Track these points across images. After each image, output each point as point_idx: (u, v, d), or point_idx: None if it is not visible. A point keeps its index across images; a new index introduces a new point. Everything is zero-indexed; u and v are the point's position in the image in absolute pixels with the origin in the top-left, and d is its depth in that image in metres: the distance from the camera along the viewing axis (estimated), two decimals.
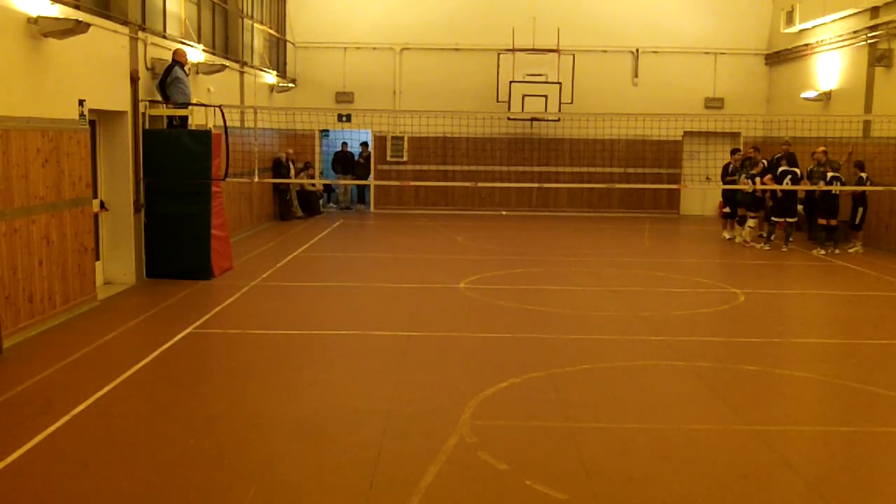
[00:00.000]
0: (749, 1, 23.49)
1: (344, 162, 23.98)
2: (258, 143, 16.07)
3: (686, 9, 23.52)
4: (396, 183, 21.88)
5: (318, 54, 23.62)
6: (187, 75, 12.96)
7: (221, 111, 13.13)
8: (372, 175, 23.52)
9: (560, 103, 22.09)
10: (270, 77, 20.70)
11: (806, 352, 9.52)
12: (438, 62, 23.51)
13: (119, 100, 11.77)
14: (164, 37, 13.45)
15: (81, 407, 6.92)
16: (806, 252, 16.58)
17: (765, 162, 18.29)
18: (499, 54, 22.62)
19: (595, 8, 23.39)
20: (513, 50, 22.61)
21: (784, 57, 22.43)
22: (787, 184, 16.72)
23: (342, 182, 23.88)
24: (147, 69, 12.57)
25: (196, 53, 14.73)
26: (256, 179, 16.35)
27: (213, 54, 16.15)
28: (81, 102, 10.39)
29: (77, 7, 10.41)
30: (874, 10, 17.78)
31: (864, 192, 16.28)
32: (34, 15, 9.17)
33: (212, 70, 15.14)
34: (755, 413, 7.10)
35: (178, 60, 12.78)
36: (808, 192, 17.31)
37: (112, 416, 6.84)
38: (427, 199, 23.88)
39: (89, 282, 10.64)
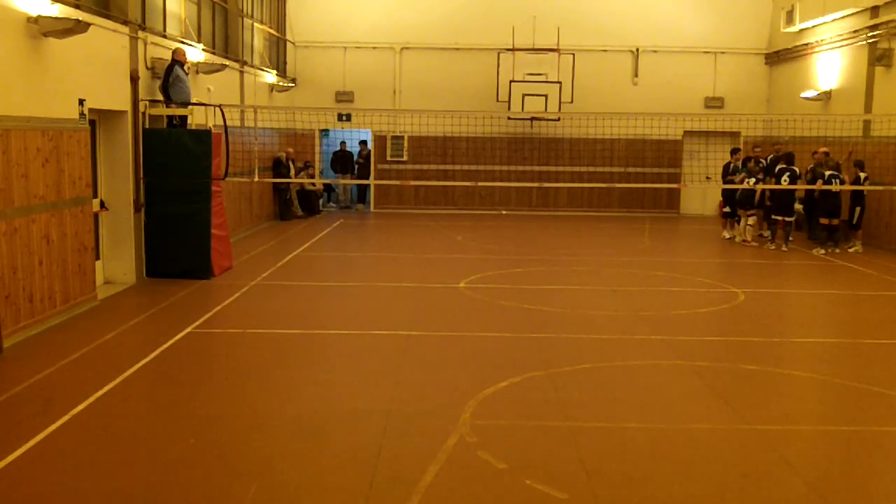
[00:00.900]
0: (749, 1, 23.49)
1: (343, 161, 23.98)
2: (258, 142, 16.08)
3: (686, 9, 23.51)
4: (396, 182, 21.87)
5: (318, 54, 23.61)
6: (187, 74, 12.96)
7: (221, 111, 13.13)
8: (372, 175, 23.52)
9: (560, 103, 22.08)
10: (270, 76, 20.70)
11: (806, 351, 9.52)
12: (438, 62, 23.50)
13: (119, 99, 11.77)
14: (164, 36, 13.44)
15: (81, 407, 6.92)
16: (806, 252, 16.58)
17: (764, 162, 18.29)
18: (499, 54, 22.62)
19: (595, 8, 23.39)
20: (513, 49, 22.61)
21: (784, 56, 22.43)
22: (784, 182, 16.73)
23: (341, 181, 23.89)
24: (147, 69, 12.56)
25: (196, 53, 14.73)
26: (256, 179, 16.35)
27: (213, 54, 16.15)
28: (81, 102, 10.39)
29: (77, 7, 10.40)
30: (874, 10, 17.78)
31: (861, 191, 16.27)
32: (34, 14, 9.17)
33: (212, 70, 15.14)
34: (755, 413, 7.10)
35: (178, 60, 12.78)
36: (808, 191, 17.31)
37: (112, 416, 6.84)
38: (427, 198, 23.88)
39: (89, 281, 10.64)
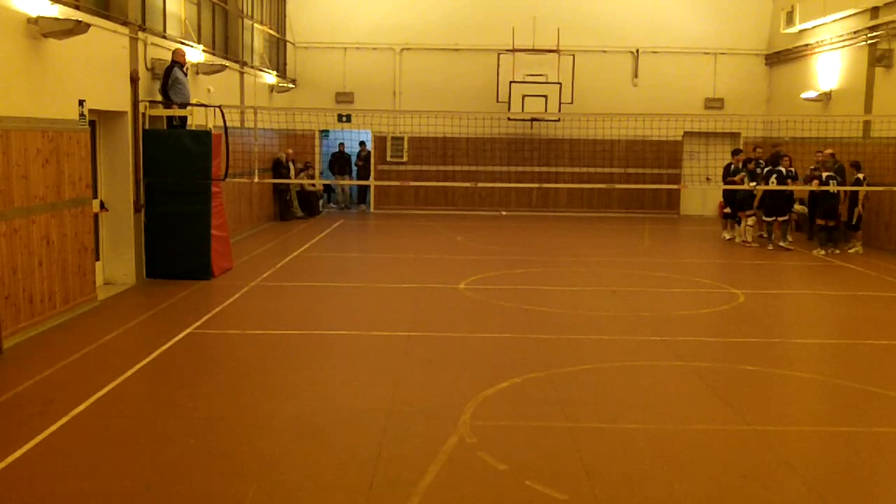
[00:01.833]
0: (749, 1, 23.50)
1: (341, 163, 23.98)
2: (258, 143, 16.09)
3: (686, 9, 23.53)
4: (396, 183, 21.87)
5: (318, 54, 23.62)
6: (186, 76, 12.96)
7: (221, 111, 13.13)
8: (372, 175, 23.52)
9: (560, 103, 22.09)
10: (270, 77, 20.71)
11: (806, 352, 9.51)
12: (438, 62, 23.51)
13: (119, 100, 11.77)
14: (164, 37, 13.45)
15: (81, 407, 6.92)
16: (806, 252, 16.58)
17: (762, 163, 18.29)
18: (499, 54, 22.62)
19: (595, 8, 23.40)
20: (513, 50, 22.62)
21: (784, 57, 22.43)
22: (772, 183, 16.74)
23: (341, 182, 23.89)
24: (147, 69, 12.57)
25: (196, 53, 14.73)
26: (256, 179, 16.36)
27: (213, 54, 16.15)
28: (81, 102, 10.39)
29: (77, 7, 10.41)
30: (874, 11, 17.79)
31: (857, 192, 16.28)
32: (34, 15, 9.17)
33: (212, 70, 15.14)
34: (755, 413, 7.10)
35: (177, 61, 12.78)
36: (811, 192, 17.30)
37: (112, 416, 6.84)
38: (427, 199, 23.88)
39: (89, 282, 10.64)
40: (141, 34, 12.30)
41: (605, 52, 23.48)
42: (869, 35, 17.92)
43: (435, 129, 22.09)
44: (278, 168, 20.44)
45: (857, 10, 18.31)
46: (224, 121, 13.05)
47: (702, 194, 23.98)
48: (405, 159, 23.73)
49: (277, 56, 22.14)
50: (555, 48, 22.60)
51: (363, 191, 24.39)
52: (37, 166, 9.28)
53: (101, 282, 11.68)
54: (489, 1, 23.41)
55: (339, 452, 6.13)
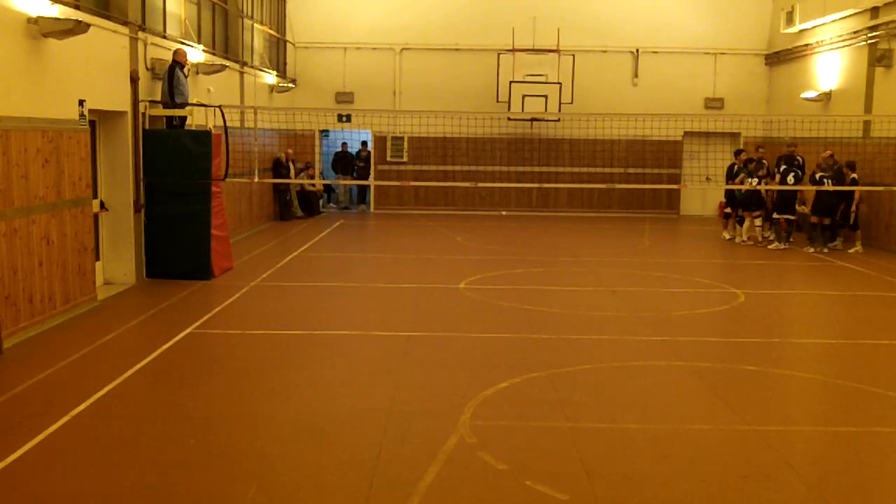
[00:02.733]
0: (749, 1, 23.49)
1: (344, 162, 23.99)
2: (258, 143, 16.07)
3: (686, 9, 23.52)
4: (396, 183, 21.87)
5: (318, 54, 23.62)
6: (186, 76, 12.96)
7: (221, 111, 13.13)
8: (372, 175, 23.52)
9: (560, 103, 22.08)
10: (270, 77, 20.71)
11: (806, 352, 9.51)
12: (438, 62, 23.51)
13: (119, 100, 11.77)
14: (164, 37, 13.45)
15: (81, 407, 6.92)
16: (806, 252, 16.58)
17: (765, 162, 18.27)
18: (499, 54, 22.62)
19: (595, 8, 23.40)
20: (513, 50, 22.62)
21: (784, 57, 22.43)
22: (790, 181, 16.75)
23: (342, 182, 23.89)
24: (147, 69, 12.57)
25: (196, 53, 14.73)
26: (256, 179, 16.35)
27: (213, 54, 16.15)
28: (81, 103, 10.39)
29: (77, 7, 10.41)
30: (874, 11, 17.79)
31: (850, 191, 16.31)
32: (34, 15, 9.17)
33: (212, 70, 15.14)
34: (755, 413, 7.10)
35: (178, 61, 12.78)
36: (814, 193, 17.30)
37: (112, 416, 6.84)
38: (427, 199, 23.88)
39: (89, 282, 10.64)
40: (141, 34, 12.30)
41: (605, 52, 23.48)
42: (869, 35, 17.91)
43: (435, 129, 22.08)
44: (278, 168, 20.44)
45: (857, 10, 18.31)
46: (224, 121, 13.05)
47: (702, 194, 23.98)
48: (405, 159, 23.73)
49: (277, 56, 22.14)
50: (555, 48, 22.60)
51: (363, 191, 24.39)
52: (37, 166, 9.28)
53: (101, 282, 11.68)
54: (489, 1, 23.40)
55: (339, 452, 6.13)
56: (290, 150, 21.44)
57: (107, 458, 5.97)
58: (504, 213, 23.61)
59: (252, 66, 18.90)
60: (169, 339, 9.14)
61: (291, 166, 21.13)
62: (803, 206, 18.24)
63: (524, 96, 22.29)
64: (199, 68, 14.80)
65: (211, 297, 11.62)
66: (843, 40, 19.08)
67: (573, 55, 22.54)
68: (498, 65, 22.55)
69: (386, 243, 18.42)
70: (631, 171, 23.53)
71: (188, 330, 9.60)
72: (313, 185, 22.47)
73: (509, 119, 22.84)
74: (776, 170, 17.34)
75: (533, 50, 22.71)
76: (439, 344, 9.39)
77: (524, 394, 7.52)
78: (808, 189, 16.74)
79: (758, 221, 17.63)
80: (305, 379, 7.98)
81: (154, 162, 12.43)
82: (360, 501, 5.31)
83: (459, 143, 22.96)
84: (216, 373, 8.24)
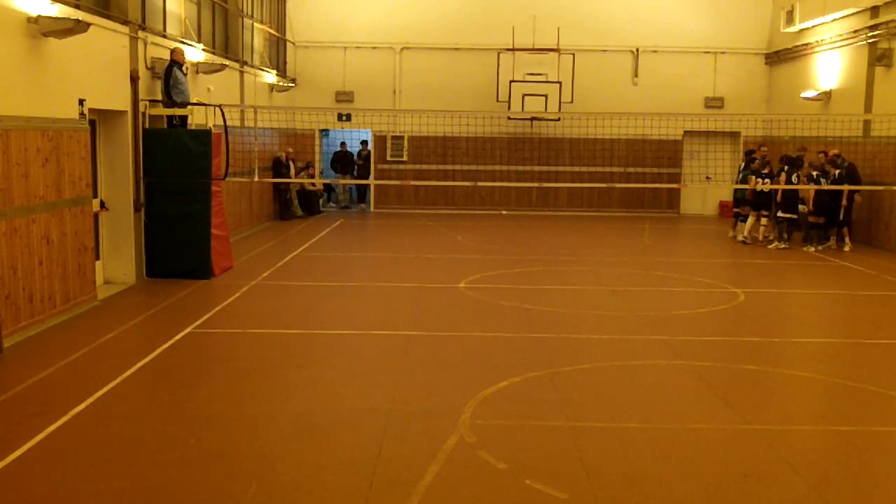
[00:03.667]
0: (749, 1, 23.48)
1: (343, 162, 23.99)
2: (258, 142, 16.09)
3: (686, 9, 23.51)
4: (396, 182, 21.87)
5: (318, 54, 23.61)
6: (185, 75, 12.96)
7: (221, 111, 13.13)
8: (372, 175, 23.52)
9: (560, 103, 22.08)
10: (270, 77, 20.70)
11: (806, 351, 9.51)
12: (438, 62, 23.50)
13: (119, 99, 11.77)
14: (164, 36, 13.45)
15: (81, 407, 6.92)
16: (806, 252, 16.59)
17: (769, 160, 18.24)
18: (499, 54, 22.62)
19: (595, 8, 23.39)
20: (513, 49, 22.61)
21: (784, 56, 22.43)
22: (794, 181, 16.77)
23: (341, 181, 23.89)
24: (147, 69, 12.57)
25: (196, 53, 14.73)
26: (256, 179, 16.35)
27: (213, 54, 16.15)
28: (81, 102, 10.39)
29: (77, 6, 10.40)
30: (874, 10, 17.78)
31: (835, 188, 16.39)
32: (34, 14, 9.17)
33: (212, 70, 15.13)
34: (755, 413, 7.10)
35: (176, 60, 12.78)
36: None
37: (112, 416, 6.84)
38: (427, 198, 23.87)
39: (89, 281, 10.64)
40: (141, 33, 12.30)
41: (605, 51, 23.47)
42: (869, 34, 17.91)
43: (435, 129, 22.08)
44: (278, 167, 20.43)
45: (857, 10, 18.30)
46: (224, 120, 13.04)
47: (702, 194, 23.99)
48: (405, 158, 23.72)
49: (277, 55, 22.13)
50: (555, 47, 22.59)
51: (363, 190, 24.38)
52: (37, 166, 9.28)
53: (101, 281, 11.68)
54: (489, 1, 23.39)
55: (339, 452, 6.13)
56: (290, 150, 21.44)
57: (107, 458, 5.97)
58: (504, 212, 23.60)
59: (252, 66, 18.90)
60: (169, 339, 9.14)
61: (291, 165, 21.13)
62: (803, 206, 18.26)
63: (524, 95, 22.29)
64: (199, 67, 14.79)
65: (211, 296, 11.62)
66: (843, 40, 19.07)
67: (573, 54, 22.53)
68: (498, 64, 22.55)
69: (386, 243, 18.42)
70: (631, 170, 23.52)
71: (188, 329, 9.60)
72: (313, 184, 22.47)
73: (509, 118, 22.84)
74: (781, 170, 17.32)
75: (533, 49, 22.71)
76: (439, 344, 9.39)
77: (524, 393, 7.53)
78: (806, 188, 16.71)
79: (763, 221, 17.63)
80: (305, 379, 7.98)
81: (154, 161, 12.43)
82: (360, 501, 5.31)
83: (459, 142, 22.96)
84: (216, 373, 8.25)
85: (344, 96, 23.52)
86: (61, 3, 9.75)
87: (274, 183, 20.44)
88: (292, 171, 21.02)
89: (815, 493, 5.56)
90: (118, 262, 12.12)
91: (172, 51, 12.90)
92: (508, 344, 9.40)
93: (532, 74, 22.56)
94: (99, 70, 11.04)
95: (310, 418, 6.81)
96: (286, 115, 20.65)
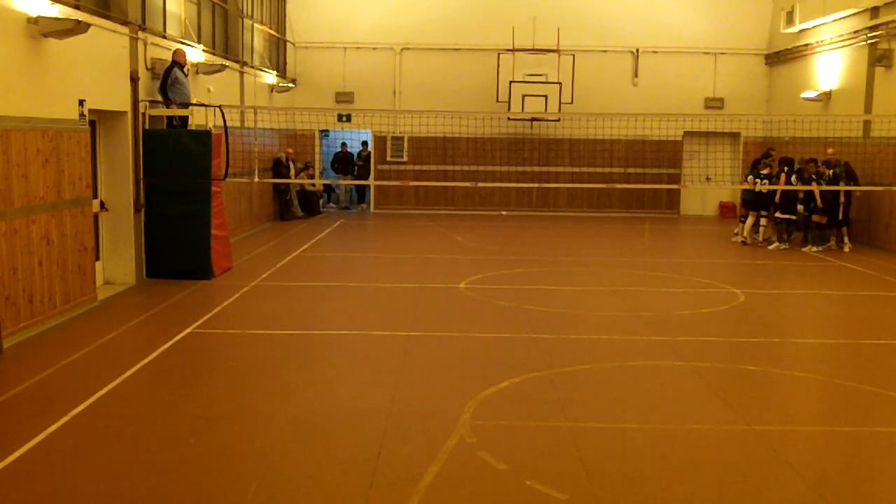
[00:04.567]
0: (749, 1, 23.49)
1: (344, 162, 23.99)
2: (258, 143, 16.08)
3: (686, 9, 23.52)
4: (396, 183, 21.87)
5: (318, 54, 23.62)
6: (186, 76, 12.96)
7: (221, 111, 13.13)
8: (372, 175, 23.52)
9: (560, 103, 22.08)
10: (270, 77, 20.70)
11: (806, 352, 9.51)
12: (438, 62, 23.50)
13: (119, 100, 11.77)
14: (164, 37, 13.45)
15: (81, 407, 6.92)
16: (806, 252, 16.59)
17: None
18: (499, 54, 22.62)
19: (595, 8, 23.39)
20: (513, 50, 22.61)
21: (784, 57, 22.43)
22: (793, 182, 16.79)
23: (342, 182, 23.90)
24: (147, 69, 12.57)
25: (196, 53, 14.73)
26: (256, 179, 16.35)
27: (213, 54, 16.15)
28: (81, 102, 10.39)
29: (77, 7, 10.41)
30: (874, 10, 17.79)
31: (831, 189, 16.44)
32: (34, 15, 9.17)
33: (212, 70, 15.14)
34: (755, 413, 7.10)
35: (178, 61, 12.78)
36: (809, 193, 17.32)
37: (112, 416, 6.84)
38: (427, 199, 23.87)
39: (89, 282, 10.64)
40: (141, 34, 12.30)
41: (605, 52, 23.47)
42: (869, 35, 17.91)
43: (435, 129, 22.09)
44: (278, 168, 20.44)
45: (857, 10, 18.31)
46: (224, 120, 13.05)
47: (702, 194, 23.99)
48: (405, 159, 23.72)
49: (277, 56, 22.14)
50: (555, 48, 22.59)
51: (363, 190, 24.39)
52: (37, 166, 9.28)
53: (101, 281, 11.68)
54: (489, 1, 23.40)
55: (339, 452, 6.13)
56: (290, 150, 21.45)
57: (107, 458, 5.97)
58: (504, 212, 23.60)
59: (252, 66, 18.90)
60: (169, 339, 9.14)
61: (291, 166, 21.14)
62: (801, 206, 18.28)
63: (524, 96, 22.29)
64: (199, 68, 14.80)
65: (211, 296, 11.62)
66: (843, 40, 19.07)
67: (573, 55, 22.54)
68: (498, 65, 22.54)
69: (386, 243, 18.42)
70: (631, 170, 23.52)
71: (188, 330, 9.60)
72: (313, 184, 22.47)
73: (509, 119, 22.85)
74: (780, 171, 17.33)
75: (533, 50, 22.71)
76: (439, 344, 9.39)
77: (524, 394, 7.52)
78: (806, 189, 16.73)
79: (763, 221, 17.64)
80: (305, 379, 7.98)
81: (154, 162, 12.43)
82: (360, 501, 5.31)
83: (459, 143, 22.97)
84: (216, 373, 8.25)
85: (344, 97, 23.52)
86: (61, 3, 9.75)
87: (274, 183, 20.45)
88: (292, 172, 21.02)
89: (815, 493, 5.56)
90: (118, 262, 12.12)
91: (174, 52, 12.91)
92: (508, 344, 9.39)
93: (532, 75, 22.56)
94: (99, 71, 11.04)
95: (310, 418, 6.81)
96: (286, 116, 20.65)
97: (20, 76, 9.08)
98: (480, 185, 21.86)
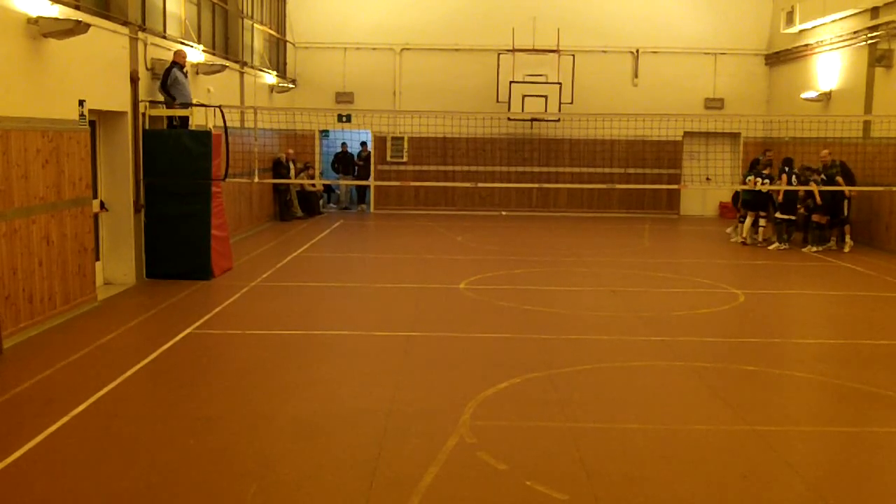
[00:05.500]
0: (749, 1, 23.49)
1: (344, 162, 24.00)
2: (258, 143, 16.08)
3: (686, 9, 23.52)
4: (396, 183, 21.88)
5: (318, 54, 23.62)
6: (186, 76, 12.96)
7: (221, 111, 13.13)
8: (372, 175, 23.52)
9: (560, 103, 22.08)
10: (270, 77, 20.71)
11: (805, 352, 9.51)
12: (438, 62, 23.50)
13: (119, 100, 11.77)
14: (164, 37, 13.45)
15: (81, 407, 6.92)
16: (806, 252, 16.59)
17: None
18: (499, 54, 22.61)
19: (595, 8, 23.39)
20: (513, 50, 22.61)
21: (784, 57, 22.43)
22: (794, 182, 16.80)
23: (342, 182, 23.90)
24: (147, 69, 12.57)
25: (196, 53, 14.73)
26: (256, 180, 16.35)
27: (213, 54, 16.16)
28: (81, 103, 10.39)
29: (77, 7, 10.41)
30: (874, 11, 17.78)
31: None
32: (34, 15, 9.17)
33: (212, 70, 15.14)
34: (755, 413, 7.10)
35: (177, 62, 12.78)
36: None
37: (112, 416, 6.84)
38: (427, 199, 23.87)
39: (89, 282, 10.64)
40: (141, 34, 12.30)
41: (605, 52, 23.47)
42: (869, 35, 17.91)
43: (435, 129, 22.08)
44: (278, 168, 20.44)
45: (857, 10, 18.30)
46: (224, 121, 13.05)
47: (702, 194, 23.99)
48: (405, 159, 23.72)
49: (277, 56, 22.14)
50: (555, 48, 22.59)
51: (363, 191, 24.39)
52: (37, 166, 9.28)
53: (101, 282, 11.68)
54: (489, 1, 23.40)
55: (339, 452, 6.13)
56: (290, 151, 21.44)
57: (107, 458, 5.97)
58: (504, 213, 23.60)
59: (252, 66, 18.90)
60: (169, 339, 9.14)
61: (291, 166, 21.13)
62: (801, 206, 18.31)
63: (524, 96, 22.29)
64: (199, 68, 14.80)
65: (211, 297, 11.62)
66: (843, 40, 19.07)
67: (573, 55, 22.53)
68: (498, 65, 22.54)
69: (386, 243, 18.42)
70: (631, 171, 23.52)
71: (188, 330, 9.60)
72: (313, 185, 22.47)
73: (509, 119, 22.84)
74: (781, 171, 17.34)
75: (533, 50, 22.71)
76: (439, 344, 9.40)
77: (524, 394, 7.52)
78: (805, 189, 16.76)
79: (762, 222, 17.64)
80: (305, 379, 7.98)
81: (154, 162, 12.43)
82: (360, 501, 5.31)
83: (459, 143, 22.96)
84: (216, 373, 8.25)
85: (344, 97, 23.52)
86: (61, 4, 9.75)
87: (274, 184, 20.44)
88: (292, 172, 21.02)
89: (815, 493, 5.56)
90: (118, 262, 12.12)
91: (175, 52, 12.91)
92: (508, 344, 9.39)
93: (532, 75, 22.55)
94: (99, 71, 11.04)
95: (310, 418, 6.81)
96: (286, 116, 20.64)
97: (20, 76, 9.08)
98: (480, 185, 21.86)
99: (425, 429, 6.55)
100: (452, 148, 23.23)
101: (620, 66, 23.69)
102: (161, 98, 12.77)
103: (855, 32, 18.53)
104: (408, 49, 23.58)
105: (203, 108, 13.82)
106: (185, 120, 13.22)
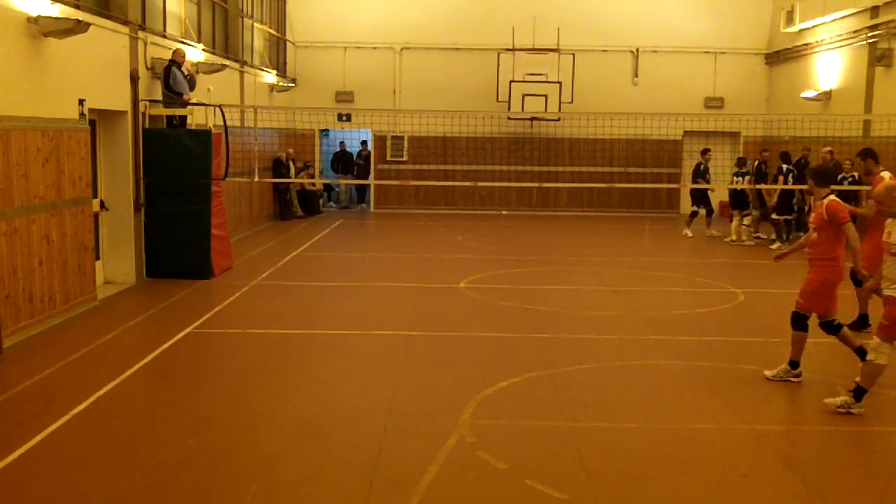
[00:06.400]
0: (749, 1, 23.49)
1: (343, 162, 23.99)
2: (258, 142, 16.08)
3: (686, 9, 23.51)
4: (396, 182, 21.87)
5: (318, 54, 23.61)
6: (185, 76, 12.95)
7: (221, 111, 13.13)
8: (372, 175, 23.52)
9: (560, 103, 22.08)
10: (270, 77, 20.70)
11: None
12: (438, 62, 23.50)
13: (119, 100, 11.77)
14: (164, 36, 13.45)
15: (81, 407, 6.92)
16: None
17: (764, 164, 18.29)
18: (499, 54, 22.61)
19: (595, 8, 23.39)
20: (513, 50, 22.61)
21: (784, 56, 22.42)
22: (789, 182, 16.81)
23: (342, 181, 23.89)
24: (147, 69, 12.57)
25: (196, 53, 14.72)
26: (256, 179, 16.34)
27: (213, 54, 16.15)
28: (81, 102, 10.39)
29: (77, 7, 10.40)
30: (874, 10, 17.78)
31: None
32: (34, 15, 9.17)
33: (212, 70, 15.13)
34: (755, 413, 7.10)
35: (176, 61, 12.78)
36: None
37: (112, 416, 6.84)
38: (427, 198, 23.87)
39: (89, 281, 10.64)
40: (141, 33, 12.30)
41: (605, 51, 23.46)
42: (869, 34, 17.90)
43: (435, 129, 22.06)
44: (278, 167, 20.44)
45: (856, 10, 18.30)
46: (224, 120, 13.05)
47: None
48: (405, 159, 23.72)
49: (277, 55, 22.13)
50: (555, 48, 22.59)
51: (363, 190, 24.38)
52: (37, 166, 9.28)
53: (101, 281, 11.68)
54: (489, 1, 23.39)
55: (339, 452, 6.13)
56: (290, 150, 21.44)
57: (107, 458, 5.98)
58: (504, 212, 23.60)
59: (252, 66, 18.90)
60: (169, 339, 9.14)
61: (291, 165, 21.13)
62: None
63: (524, 96, 22.29)
64: (199, 68, 14.78)
65: (211, 296, 11.62)
66: (842, 40, 19.06)
67: (573, 55, 22.53)
68: (498, 64, 22.54)
69: (386, 243, 18.42)
70: (631, 170, 23.52)
71: (188, 330, 9.60)
72: (313, 184, 22.47)
73: (509, 118, 22.83)
74: (779, 171, 17.36)
75: (533, 49, 22.70)
76: (439, 344, 9.39)
77: (524, 393, 7.52)
78: (803, 189, 16.78)
79: (747, 220, 17.71)
80: (305, 379, 7.98)
81: (154, 161, 12.43)
82: (360, 501, 5.31)
83: (459, 142, 22.96)
84: (216, 373, 8.25)
85: (344, 96, 23.52)
86: (61, 3, 9.75)
87: (274, 183, 20.44)
88: (292, 172, 21.02)
89: (814, 493, 5.57)
90: (118, 262, 12.12)
91: (174, 52, 12.90)
92: (508, 344, 9.39)
93: (532, 74, 22.55)
94: (99, 70, 11.04)
95: (310, 418, 6.81)
96: (286, 116, 20.64)
97: (20, 76, 9.07)
98: (480, 184, 21.86)
99: (425, 428, 6.55)
100: (452, 147, 23.23)
101: (620, 65, 23.69)
102: (164, 96, 12.76)
103: (855, 32, 18.52)
104: (408, 48, 23.58)
105: (203, 108, 13.81)
106: (184, 119, 13.22)
